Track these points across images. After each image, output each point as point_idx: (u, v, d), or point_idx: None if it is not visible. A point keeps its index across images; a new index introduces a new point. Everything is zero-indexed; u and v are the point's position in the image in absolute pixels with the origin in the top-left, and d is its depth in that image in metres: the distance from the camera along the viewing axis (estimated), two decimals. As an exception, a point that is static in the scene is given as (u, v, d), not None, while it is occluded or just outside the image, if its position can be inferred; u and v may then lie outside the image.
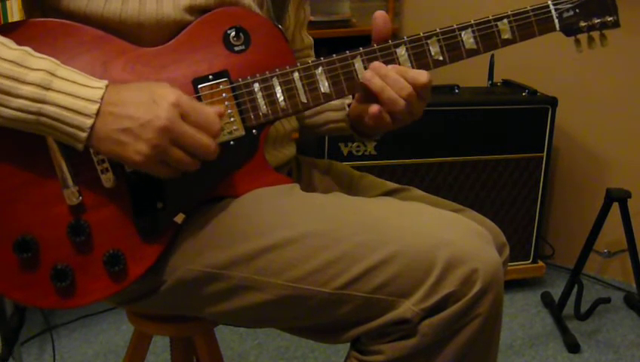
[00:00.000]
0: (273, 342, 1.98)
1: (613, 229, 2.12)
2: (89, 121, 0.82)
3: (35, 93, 0.81)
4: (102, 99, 0.82)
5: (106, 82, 0.84)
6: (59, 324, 2.06)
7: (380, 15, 0.97)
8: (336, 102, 1.09)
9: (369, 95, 0.95)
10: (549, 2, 1.00)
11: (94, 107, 0.82)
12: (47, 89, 0.81)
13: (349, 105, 1.09)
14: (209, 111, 0.86)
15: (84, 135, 0.82)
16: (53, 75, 0.82)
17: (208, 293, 0.93)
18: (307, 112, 1.12)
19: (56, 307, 0.90)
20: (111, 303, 1.02)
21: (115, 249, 0.89)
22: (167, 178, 0.87)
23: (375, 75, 0.94)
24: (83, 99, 0.82)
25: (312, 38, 1.21)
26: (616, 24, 1.01)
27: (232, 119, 0.93)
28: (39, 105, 0.81)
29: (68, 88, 0.82)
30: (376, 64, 0.95)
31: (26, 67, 0.81)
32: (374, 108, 0.95)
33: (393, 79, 0.93)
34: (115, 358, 1.91)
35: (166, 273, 0.94)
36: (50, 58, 0.84)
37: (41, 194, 0.87)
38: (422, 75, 0.94)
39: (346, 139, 2.02)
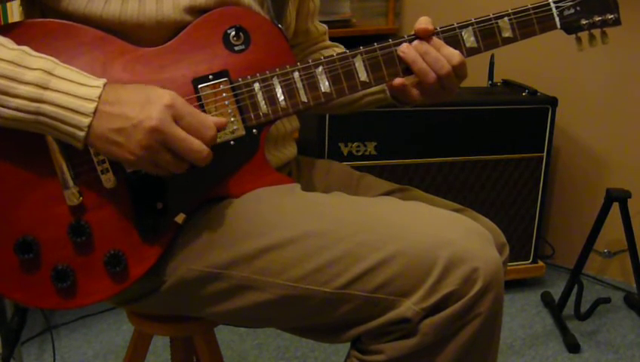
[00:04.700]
0: (273, 342, 1.98)
1: (613, 229, 2.12)
2: (86, 120, 0.82)
3: (32, 93, 0.81)
4: (99, 97, 0.82)
5: (104, 81, 0.84)
6: (59, 324, 2.06)
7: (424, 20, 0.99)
8: None
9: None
10: (550, 0, 1.00)
11: (92, 106, 0.82)
12: (45, 88, 0.81)
13: None
14: (204, 117, 0.86)
15: (82, 134, 0.82)
16: (51, 74, 0.82)
17: (209, 293, 0.93)
18: None
19: (57, 308, 0.90)
20: (111, 303, 1.02)
21: (115, 249, 0.89)
22: (161, 176, 0.88)
23: (410, 47, 0.97)
24: (81, 98, 0.82)
25: (325, 25, 1.24)
26: (617, 22, 1.01)
27: (232, 119, 0.93)
28: (37, 104, 0.81)
29: (66, 87, 0.82)
30: (418, 42, 0.97)
31: (24, 67, 0.81)
32: (398, 80, 0.99)
33: (434, 57, 0.96)
34: (115, 358, 1.91)
35: (166, 273, 0.94)
36: (48, 57, 0.83)
37: (42, 195, 0.87)
38: (454, 57, 0.96)
39: (346, 138, 2.02)
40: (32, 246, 0.86)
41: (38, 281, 0.87)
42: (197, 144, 0.84)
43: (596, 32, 1.02)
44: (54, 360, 1.88)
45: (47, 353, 1.92)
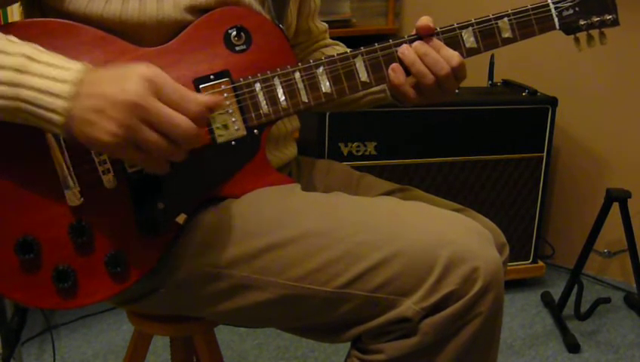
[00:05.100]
0: (273, 342, 1.98)
1: (613, 229, 2.12)
2: (64, 104, 0.77)
3: (11, 77, 0.78)
4: (79, 80, 0.78)
5: (85, 64, 0.80)
6: (59, 324, 2.06)
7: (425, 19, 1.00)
8: None
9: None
10: (549, 1, 1.01)
11: (70, 88, 0.77)
12: (24, 73, 0.78)
13: None
14: (189, 91, 0.80)
15: (60, 119, 0.78)
16: (31, 59, 0.79)
17: (209, 293, 0.93)
18: None
19: (58, 308, 0.89)
20: (111, 303, 1.02)
21: (116, 250, 0.89)
22: (145, 166, 0.82)
23: (409, 48, 0.97)
24: (59, 81, 0.78)
25: (325, 24, 1.24)
26: (615, 22, 1.02)
27: (233, 119, 0.93)
28: (16, 89, 0.78)
29: (45, 71, 0.78)
30: (418, 44, 0.97)
31: (5, 53, 0.79)
32: (396, 80, 0.98)
33: (434, 58, 0.96)
34: (115, 358, 1.91)
35: (166, 273, 0.94)
36: (33, 45, 0.81)
37: (43, 195, 0.87)
38: (454, 58, 0.96)
39: (346, 138, 2.02)
40: (32, 246, 0.86)
41: (39, 281, 0.87)
42: (181, 119, 0.77)
43: (594, 32, 1.03)
44: (54, 360, 1.88)
45: (47, 353, 1.92)
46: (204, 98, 0.80)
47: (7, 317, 1.71)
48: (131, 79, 0.76)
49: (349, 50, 0.98)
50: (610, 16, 1.01)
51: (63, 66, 0.79)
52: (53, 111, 0.78)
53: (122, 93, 0.75)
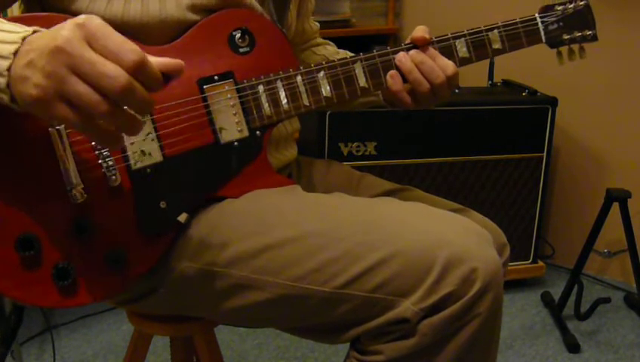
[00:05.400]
0: (273, 342, 1.98)
1: (613, 229, 2.12)
2: (5, 63, 0.71)
3: None
4: (23, 39, 0.71)
5: (38, 28, 0.74)
6: (59, 324, 2.07)
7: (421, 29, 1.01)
8: None
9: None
10: (536, 15, 1.06)
11: (12, 47, 0.71)
12: None
13: None
14: (126, 41, 0.68)
15: (2, 80, 0.71)
16: None
17: (208, 292, 0.93)
18: None
19: (57, 306, 0.89)
20: (111, 303, 1.02)
21: (117, 248, 0.89)
22: (86, 131, 0.71)
23: (406, 56, 1.00)
24: (4, 42, 0.72)
25: (317, 23, 1.26)
26: (594, 38, 1.08)
27: (236, 120, 0.94)
28: None
29: None
30: (415, 52, 1.00)
31: None
32: (394, 87, 1.00)
33: (430, 67, 0.99)
34: (115, 358, 1.91)
35: (166, 272, 0.94)
36: None
37: (44, 192, 0.86)
38: (448, 67, 1.00)
39: (346, 138, 2.02)
40: (32, 243, 0.86)
41: (39, 279, 0.87)
42: (111, 68, 0.67)
43: (575, 47, 1.09)
44: (54, 360, 1.89)
45: (47, 353, 1.92)
46: (154, 59, 0.71)
47: (5, 315, 1.72)
48: (64, 26, 0.68)
49: (348, 54, 1.00)
50: (590, 32, 1.08)
51: (12, 30, 0.73)
52: None
53: (52, 40, 0.68)
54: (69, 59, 0.67)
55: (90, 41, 0.68)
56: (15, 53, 0.71)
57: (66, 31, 0.68)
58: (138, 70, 0.68)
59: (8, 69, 0.71)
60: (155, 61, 0.70)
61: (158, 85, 0.70)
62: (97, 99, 0.67)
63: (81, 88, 0.67)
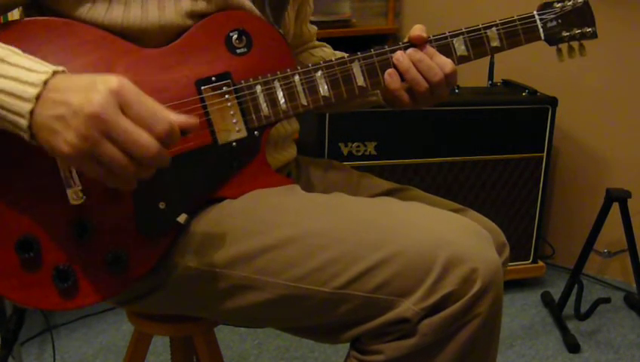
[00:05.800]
0: (273, 342, 1.98)
1: (613, 229, 2.12)
2: (27, 106, 0.74)
3: None
4: (45, 83, 0.74)
5: (57, 68, 0.76)
6: (59, 324, 2.07)
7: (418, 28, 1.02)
8: None
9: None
10: (535, 12, 1.06)
11: (34, 91, 0.74)
12: None
13: None
14: (158, 108, 0.74)
15: (24, 122, 0.74)
16: (3, 61, 0.77)
17: (208, 293, 0.93)
18: None
19: (58, 308, 0.89)
20: (111, 303, 1.02)
21: (117, 249, 0.89)
22: (107, 182, 0.77)
23: (404, 55, 1.00)
24: (25, 83, 0.74)
25: (315, 26, 1.27)
26: (594, 35, 1.08)
27: (234, 120, 0.94)
28: None
29: (12, 73, 0.75)
30: (412, 50, 1.00)
31: None
32: (392, 85, 1.00)
33: (428, 65, 0.99)
34: (115, 358, 1.91)
35: (166, 273, 0.94)
36: (7, 47, 0.79)
37: (44, 194, 0.86)
38: (446, 65, 0.99)
39: (346, 138, 2.02)
40: (32, 245, 0.86)
41: (39, 281, 0.87)
42: (144, 138, 0.72)
43: (575, 44, 1.09)
44: (54, 360, 1.89)
45: (47, 353, 1.93)
46: (175, 117, 0.75)
47: (5, 317, 1.72)
48: (98, 90, 0.72)
49: (345, 54, 1.00)
50: (590, 29, 1.07)
51: (31, 68, 0.76)
52: (17, 114, 0.75)
53: (87, 103, 0.71)
54: (103, 126, 0.71)
55: (124, 109, 0.72)
56: (37, 98, 0.74)
57: (101, 97, 0.71)
58: (168, 139, 0.73)
59: (31, 112, 0.74)
60: (177, 120, 0.75)
61: (177, 142, 0.76)
62: (126, 162, 0.73)
63: (112, 153, 0.72)
